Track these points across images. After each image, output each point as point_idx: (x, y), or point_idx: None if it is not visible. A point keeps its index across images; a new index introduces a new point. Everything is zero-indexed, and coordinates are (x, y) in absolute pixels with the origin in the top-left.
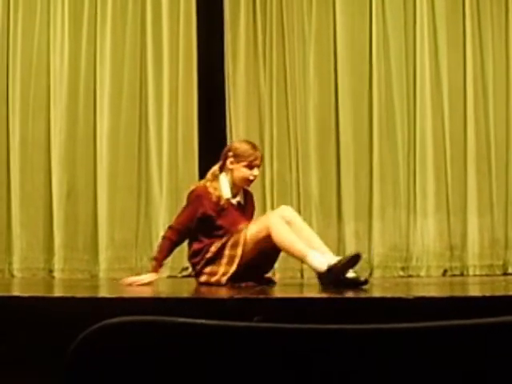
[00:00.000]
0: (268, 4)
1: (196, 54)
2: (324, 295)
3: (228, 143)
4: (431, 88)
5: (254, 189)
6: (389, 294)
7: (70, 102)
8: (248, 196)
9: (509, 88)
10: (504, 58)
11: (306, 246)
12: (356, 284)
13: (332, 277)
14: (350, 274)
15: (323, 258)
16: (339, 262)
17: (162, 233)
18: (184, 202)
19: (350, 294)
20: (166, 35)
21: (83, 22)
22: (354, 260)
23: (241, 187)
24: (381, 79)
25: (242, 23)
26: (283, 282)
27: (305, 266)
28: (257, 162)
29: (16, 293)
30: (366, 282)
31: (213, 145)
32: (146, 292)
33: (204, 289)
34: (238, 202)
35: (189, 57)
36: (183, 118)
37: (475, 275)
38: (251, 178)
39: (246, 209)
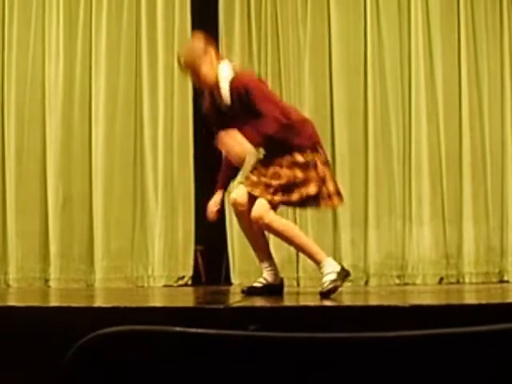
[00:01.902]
0: (263, 13)
1: None
2: (320, 304)
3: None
4: (426, 96)
5: None
6: (385, 302)
7: (65, 110)
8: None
9: (504, 95)
10: (499, 66)
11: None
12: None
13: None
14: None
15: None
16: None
17: (157, 242)
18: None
19: (346, 303)
20: (161, 43)
21: (78, 31)
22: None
23: None
24: (376, 88)
25: (236, 31)
26: None
27: (300, 275)
28: None
29: (12, 303)
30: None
31: (208, 153)
32: (142, 302)
33: (199, 298)
34: None
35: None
36: (178, 126)
37: (471, 283)
38: None
39: None
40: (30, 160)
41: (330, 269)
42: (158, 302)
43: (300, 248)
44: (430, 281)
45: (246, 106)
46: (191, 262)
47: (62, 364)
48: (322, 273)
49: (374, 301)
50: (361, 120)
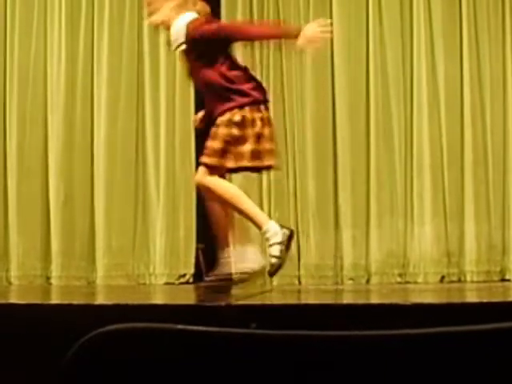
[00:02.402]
0: (265, 13)
1: None
2: (321, 302)
3: None
4: (428, 95)
5: (250, 195)
6: (386, 301)
7: (67, 109)
8: None
9: (506, 94)
10: (501, 65)
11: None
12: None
13: None
14: None
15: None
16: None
17: (159, 240)
18: None
19: (348, 301)
20: (164, 43)
21: (80, 30)
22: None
23: None
24: (378, 87)
25: None
26: (280, 288)
27: (302, 273)
28: None
29: (13, 300)
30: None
31: None
32: (143, 299)
33: (201, 295)
34: None
35: None
36: (180, 126)
37: (472, 281)
38: None
39: None
40: (31, 158)
41: (273, 239)
42: (159, 299)
43: (242, 212)
44: (431, 279)
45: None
46: (192, 260)
47: (63, 362)
48: (266, 239)
49: (375, 299)
50: (362, 119)
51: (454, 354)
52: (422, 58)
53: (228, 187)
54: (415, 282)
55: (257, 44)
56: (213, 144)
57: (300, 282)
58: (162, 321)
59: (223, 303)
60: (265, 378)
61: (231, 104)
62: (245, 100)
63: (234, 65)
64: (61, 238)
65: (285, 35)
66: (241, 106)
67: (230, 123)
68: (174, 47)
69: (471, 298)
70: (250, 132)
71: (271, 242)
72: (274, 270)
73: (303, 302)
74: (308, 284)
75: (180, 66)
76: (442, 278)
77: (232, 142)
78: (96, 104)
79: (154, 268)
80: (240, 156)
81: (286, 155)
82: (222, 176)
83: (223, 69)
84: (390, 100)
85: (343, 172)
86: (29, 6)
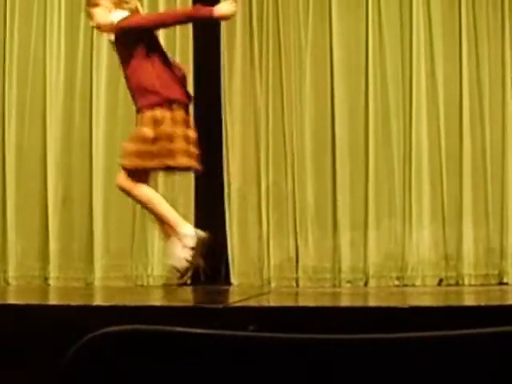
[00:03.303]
0: (264, 15)
1: (192, 64)
2: (319, 304)
3: (224, 154)
4: (427, 98)
5: (249, 198)
6: (384, 304)
7: (65, 108)
8: None
9: (505, 98)
10: (500, 68)
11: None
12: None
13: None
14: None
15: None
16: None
17: (157, 241)
18: None
19: (346, 304)
20: (162, 42)
21: (79, 29)
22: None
23: None
24: (377, 90)
25: (238, 33)
26: (278, 290)
27: (300, 275)
28: None
29: (11, 301)
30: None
31: (208, 155)
32: (141, 301)
33: (199, 297)
34: None
35: (185, 66)
36: None
37: (470, 285)
38: None
39: None
40: (30, 158)
41: (187, 243)
42: (157, 301)
43: (159, 216)
44: (429, 282)
45: None
46: None
47: (61, 363)
48: (180, 242)
49: (373, 302)
50: (361, 121)
51: (451, 357)
52: (421, 62)
53: (145, 191)
54: (413, 285)
55: (256, 45)
56: (128, 145)
57: (298, 285)
58: (160, 322)
59: (221, 305)
60: (262, 380)
61: (144, 103)
62: (156, 99)
63: (156, 63)
64: (59, 239)
65: (196, 15)
66: (153, 105)
67: (145, 122)
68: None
69: (469, 301)
70: (162, 131)
71: (185, 245)
72: (182, 273)
73: (301, 304)
74: (306, 286)
75: None
76: (440, 281)
77: (146, 142)
78: (95, 104)
79: (152, 269)
80: (154, 156)
81: (285, 158)
82: (147, 176)
83: (141, 67)
84: (388, 103)
85: (342, 175)
86: (28, 6)
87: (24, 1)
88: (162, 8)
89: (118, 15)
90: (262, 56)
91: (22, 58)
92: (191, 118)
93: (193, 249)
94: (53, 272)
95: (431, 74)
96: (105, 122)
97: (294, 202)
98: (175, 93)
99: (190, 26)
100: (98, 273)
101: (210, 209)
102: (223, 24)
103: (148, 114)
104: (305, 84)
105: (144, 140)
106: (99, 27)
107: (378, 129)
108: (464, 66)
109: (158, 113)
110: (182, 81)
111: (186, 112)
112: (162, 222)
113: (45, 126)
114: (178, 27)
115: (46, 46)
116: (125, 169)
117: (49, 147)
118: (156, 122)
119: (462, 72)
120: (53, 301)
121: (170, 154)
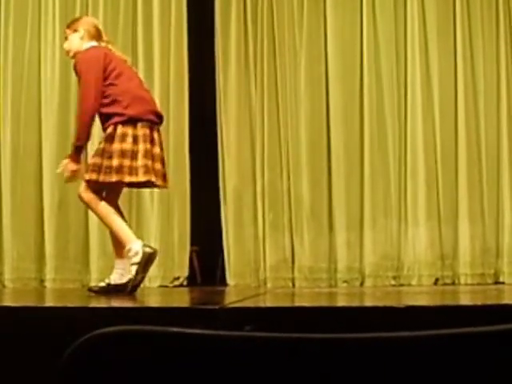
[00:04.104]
0: (259, 15)
1: (187, 65)
2: (315, 304)
3: (219, 154)
4: (422, 98)
5: (245, 198)
6: (380, 303)
7: (61, 111)
8: None
9: (499, 97)
10: (495, 68)
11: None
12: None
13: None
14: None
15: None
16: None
17: (153, 243)
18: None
19: (342, 304)
20: (157, 47)
21: None
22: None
23: None
24: (372, 90)
25: (232, 34)
26: (274, 291)
27: (296, 275)
28: None
29: (7, 303)
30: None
31: (204, 155)
32: (138, 302)
33: (195, 298)
34: None
35: (180, 68)
36: (174, 129)
37: (466, 284)
38: None
39: None
40: (25, 160)
41: (133, 259)
42: (153, 302)
43: (113, 230)
44: (425, 282)
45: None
46: (187, 263)
47: (58, 365)
48: (128, 257)
49: (369, 302)
50: (357, 121)
51: (447, 356)
52: (415, 60)
53: (102, 205)
54: (409, 285)
55: (251, 45)
56: (91, 159)
57: (294, 285)
58: (156, 323)
59: (217, 306)
60: (259, 380)
61: (109, 121)
62: (117, 118)
63: (120, 84)
64: (55, 241)
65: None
66: (115, 123)
67: (106, 138)
68: None
69: (465, 300)
70: (123, 148)
71: (131, 261)
72: (129, 288)
73: (297, 304)
74: (302, 286)
75: (174, 71)
76: (436, 280)
77: (104, 157)
78: None
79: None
80: (114, 171)
81: (280, 157)
82: (114, 191)
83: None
84: (383, 102)
85: (337, 175)
86: (23, 8)
87: (18, 2)
88: (155, 8)
89: (87, 45)
90: (256, 57)
91: (17, 60)
92: (159, 137)
93: (138, 264)
94: (49, 274)
95: (426, 72)
96: (100, 125)
97: (290, 202)
98: (138, 111)
99: (183, 29)
100: (94, 274)
101: (205, 210)
102: (218, 26)
103: (109, 130)
104: (300, 84)
105: (102, 155)
106: (68, 52)
107: (373, 128)
108: (459, 65)
109: (120, 130)
110: (149, 100)
111: (152, 130)
112: (115, 236)
113: (40, 130)
114: (172, 30)
115: (40, 48)
116: (85, 181)
117: (44, 150)
118: (117, 139)
119: (456, 71)
120: (49, 303)
121: (131, 170)
